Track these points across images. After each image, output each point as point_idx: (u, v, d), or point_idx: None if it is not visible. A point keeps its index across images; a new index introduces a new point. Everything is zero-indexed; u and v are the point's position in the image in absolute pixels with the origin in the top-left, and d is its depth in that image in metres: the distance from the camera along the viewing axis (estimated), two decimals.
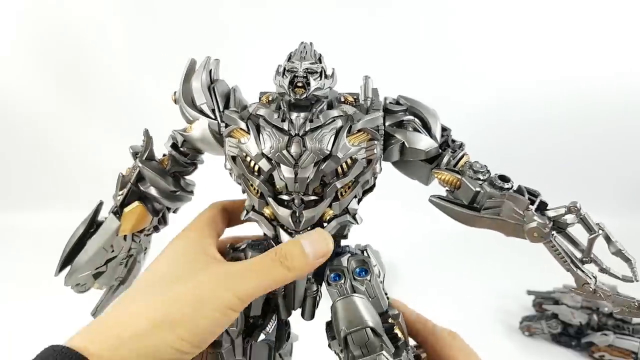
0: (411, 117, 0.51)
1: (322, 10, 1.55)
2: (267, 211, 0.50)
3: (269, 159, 0.47)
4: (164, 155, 0.57)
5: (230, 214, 0.56)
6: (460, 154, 0.51)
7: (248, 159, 0.48)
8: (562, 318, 1.10)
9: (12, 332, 1.11)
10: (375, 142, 0.48)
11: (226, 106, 0.52)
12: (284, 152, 0.46)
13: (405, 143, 0.50)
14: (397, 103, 0.52)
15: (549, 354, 1.11)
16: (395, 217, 1.47)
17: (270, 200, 0.49)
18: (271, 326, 0.54)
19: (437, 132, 0.51)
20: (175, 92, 0.54)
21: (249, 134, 0.48)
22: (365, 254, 0.55)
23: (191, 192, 0.58)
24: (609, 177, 1.65)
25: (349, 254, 0.54)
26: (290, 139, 0.46)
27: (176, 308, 0.41)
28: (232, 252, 0.54)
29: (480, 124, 1.53)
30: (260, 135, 0.47)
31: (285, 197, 0.49)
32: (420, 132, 0.51)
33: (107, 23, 1.52)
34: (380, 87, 0.53)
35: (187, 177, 0.58)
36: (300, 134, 0.47)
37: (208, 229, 0.51)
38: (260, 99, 0.53)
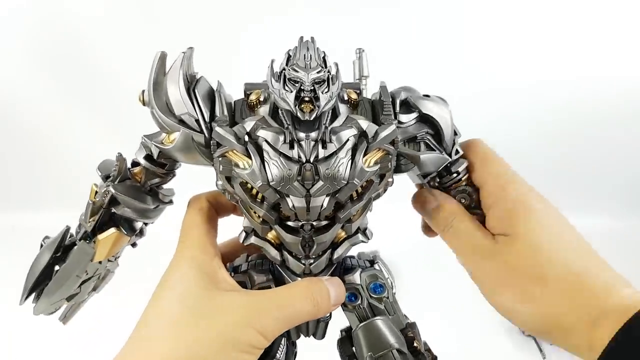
0: (424, 130, 0.47)
1: None
2: (270, 235, 0.46)
3: (276, 189, 0.41)
4: (134, 162, 0.50)
5: (216, 206, 0.51)
6: (457, 178, 0.49)
7: (249, 185, 0.42)
8: None
9: (12, 331, 1.12)
10: (390, 156, 0.43)
11: (212, 111, 0.44)
12: (295, 183, 0.40)
13: (417, 167, 0.47)
14: (406, 104, 0.47)
15: (549, 354, 1.11)
16: (395, 215, 1.46)
17: (276, 227, 0.44)
18: (281, 352, 0.50)
19: (449, 142, 0.48)
20: (143, 92, 0.45)
21: (250, 159, 0.40)
22: (377, 266, 0.52)
23: (170, 202, 0.53)
24: (609, 178, 1.65)
25: (360, 269, 0.51)
26: (300, 166, 0.40)
27: (200, 350, 0.38)
28: (233, 274, 0.49)
29: (481, 124, 1.53)
30: (266, 163, 0.40)
31: (293, 224, 0.44)
32: (433, 150, 0.47)
33: (108, 22, 1.53)
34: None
35: (164, 186, 0.52)
36: (311, 161, 0.40)
37: (209, 245, 0.46)
38: (247, 94, 0.45)
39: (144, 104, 0.45)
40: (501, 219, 0.45)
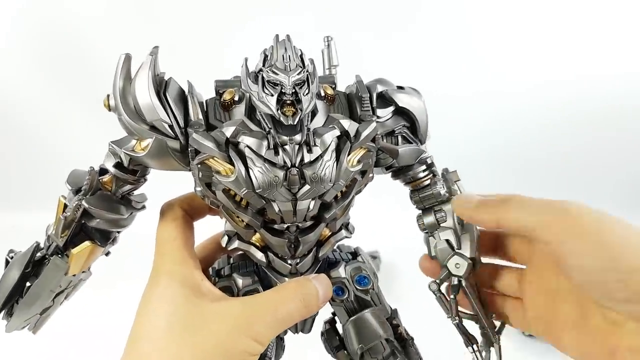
0: (401, 123, 0.47)
1: None
2: (254, 238, 0.46)
3: (261, 196, 0.40)
4: (102, 170, 0.47)
5: (190, 212, 0.49)
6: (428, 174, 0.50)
7: (233, 192, 0.41)
8: None
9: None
10: (371, 152, 0.44)
11: (184, 114, 0.42)
12: (281, 189, 0.39)
13: (396, 162, 0.48)
14: (381, 97, 0.47)
15: (549, 354, 1.09)
16: (392, 214, 1.45)
17: (261, 231, 0.44)
18: (271, 350, 0.50)
19: (424, 133, 0.49)
20: (108, 96, 0.42)
21: (233, 166, 0.39)
22: (360, 258, 0.53)
23: (143, 207, 0.51)
24: (610, 177, 1.63)
25: (344, 262, 0.51)
26: (286, 171, 0.39)
27: None
28: (217, 279, 0.48)
29: (483, 123, 1.52)
30: (250, 170, 0.39)
31: (278, 227, 0.44)
32: (410, 143, 0.48)
33: (108, 22, 1.52)
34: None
35: (135, 192, 0.50)
36: (296, 165, 0.39)
37: (188, 257, 0.44)
38: (219, 93, 0.43)
39: (109, 110, 0.42)
40: None
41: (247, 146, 0.39)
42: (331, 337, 0.52)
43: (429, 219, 0.51)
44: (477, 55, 1.57)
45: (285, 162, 0.38)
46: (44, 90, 1.58)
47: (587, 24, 1.53)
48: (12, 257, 0.50)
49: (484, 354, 0.49)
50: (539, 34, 1.55)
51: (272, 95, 0.38)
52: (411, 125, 0.48)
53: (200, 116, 0.41)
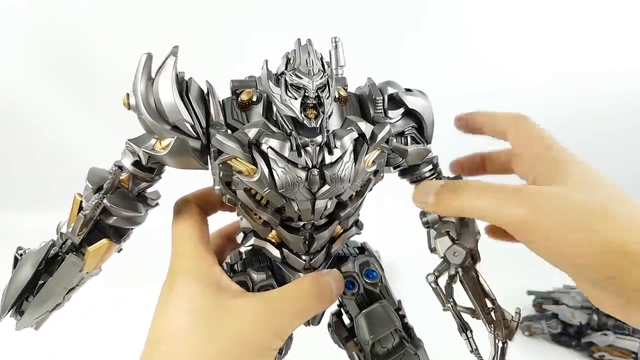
0: (410, 124, 0.49)
1: None
2: (270, 235, 0.47)
3: (282, 195, 0.41)
4: (118, 168, 0.47)
5: (204, 207, 0.50)
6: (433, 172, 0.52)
7: (254, 191, 0.43)
8: (562, 318, 1.09)
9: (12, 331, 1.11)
10: (384, 152, 0.46)
11: (205, 114, 0.43)
12: (302, 190, 0.41)
13: (405, 162, 0.50)
14: (392, 99, 0.48)
15: (549, 354, 1.10)
16: (395, 215, 1.46)
17: (278, 228, 0.45)
18: (284, 343, 0.51)
19: (431, 133, 0.50)
20: (127, 95, 0.42)
21: (256, 166, 0.40)
22: (367, 252, 0.56)
23: (157, 205, 0.52)
24: (610, 177, 1.65)
25: (352, 257, 0.54)
26: (307, 171, 0.40)
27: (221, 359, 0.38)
28: (232, 275, 0.50)
29: None
30: (273, 171, 0.40)
31: (294, 225, 0.45)
32: (418, 143, 0.50)
33: (108, 21, 1.52)
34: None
35: (148, 189, 0.51)
36: (317, 165, 0.40)
37: (206, 253, 0.45)
38: (236, 92, 0.44)
39: (128, 108, 0.42)
40: (545, 172, 0.45)
41: (270, 147, 0.40)
42: (339, 328, 0.54)
43: (432, 215, 0.53)
44: (477, 55, 1.58)
45: (307, 163, 0.40)
46: (45, 90, 1.57)
47: (587, 24, 1.54)
48: (21, 255, 0.50)
49: (491, 350, 0.50)
50: (539, 33, 1.56)
51: (296, 98, 0.38)
52: (419, 126, 0.50)
53: (221, 117, 0.42)
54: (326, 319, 0.57)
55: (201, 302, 0.41)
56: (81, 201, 0.47)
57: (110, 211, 0.46)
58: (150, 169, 0.47)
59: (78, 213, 0.47)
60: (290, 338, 0.55)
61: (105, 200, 0.45)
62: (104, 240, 0.47)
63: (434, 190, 0.47)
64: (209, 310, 0.40)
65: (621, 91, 1.57)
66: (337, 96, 0.46)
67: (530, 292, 1.20)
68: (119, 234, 0.50)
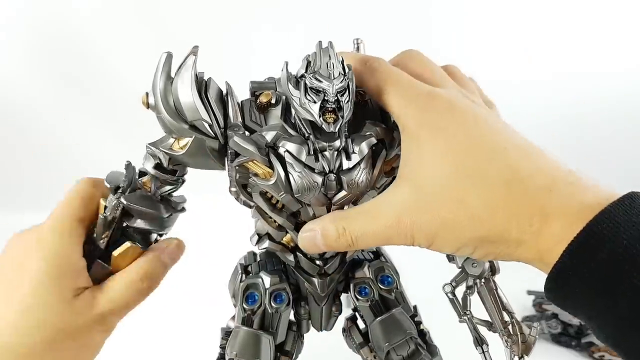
0: None
1: None
2: (285, 239, 0.47)
3: (298, 200, 0.41)
4: (141, 172, 0.48)
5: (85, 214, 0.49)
6: None
7: (269, 195, 0.42)
8: (562, 318, 1.10)
9: None
10: (399, 158, 0.44)
11: (224, 115, 0.43)
12: (319, 195, 0.40)
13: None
14: None
15: (549, 354, 1.10)
16: None
17: (293, 232, 0.45)
18: (295, 347, 0.52)
19: None
20: (147, 94, 0.42)
21: (272, 170, 0.40)
22: (382, 258, 0.55)
23: (183, 209, 0.52)
24: (610, 177, 1.64)
25: (367, 262, 0.53)
26: (324, 177, 0.40)
27: None
28: (244, 276, 0.50)
29: None
30: (290, 175, 0.39)
31: None
32: None
33: (109, 21, 1.50)
34: None
35: (174, 193, 0.50)
36: (334, 171, 0.40)
37: (76, 235, 0.46)
38: (255, 94, 0.44)
39: (147, 107, 0.42)
40: None
41: (288, 151, 0.39)
42: (355, 333, 0.54)
43: None
44: (478, 55, 1.58)
45: (324, 168, 0.39)
46: (45, 90, 1.55)
47: (587, 24, 1.53)
48: None
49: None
50: (540, 33, 1.56)
51: (315, 102, 0.38)
52: None
53: (240, 118, 0.42)
54: (340, 323, 0.56)
55: (43, 283, 0.44)
56: (105, 205, 0.47)
57: (130, 210, 0.46)
58: (173, 171, 0.47)
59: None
60: (301, 342, 0.55)
61: (122, 199, 0.45)
62: (127, 243, 0.47)
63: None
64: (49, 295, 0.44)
65: (621, 91, 1.57)
66: (357, 99, 0.44)
67: (530, 292, 1.20)
68: (145, 239, 0.50)
